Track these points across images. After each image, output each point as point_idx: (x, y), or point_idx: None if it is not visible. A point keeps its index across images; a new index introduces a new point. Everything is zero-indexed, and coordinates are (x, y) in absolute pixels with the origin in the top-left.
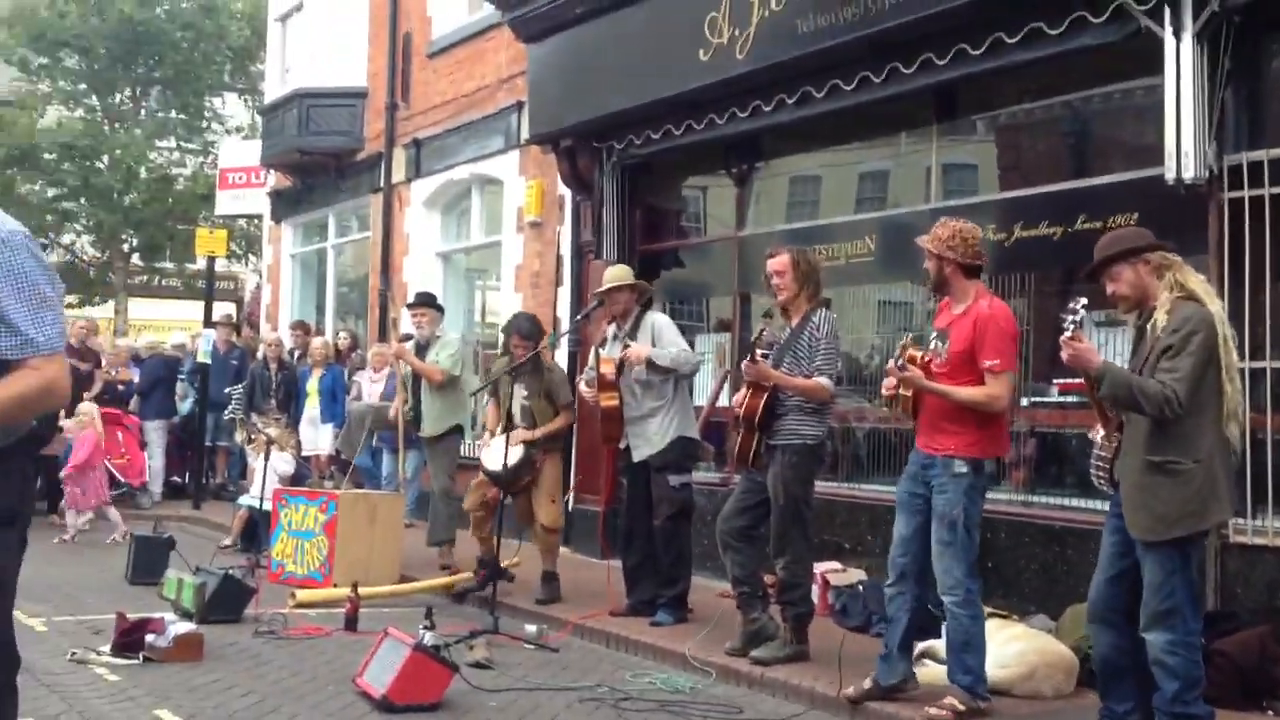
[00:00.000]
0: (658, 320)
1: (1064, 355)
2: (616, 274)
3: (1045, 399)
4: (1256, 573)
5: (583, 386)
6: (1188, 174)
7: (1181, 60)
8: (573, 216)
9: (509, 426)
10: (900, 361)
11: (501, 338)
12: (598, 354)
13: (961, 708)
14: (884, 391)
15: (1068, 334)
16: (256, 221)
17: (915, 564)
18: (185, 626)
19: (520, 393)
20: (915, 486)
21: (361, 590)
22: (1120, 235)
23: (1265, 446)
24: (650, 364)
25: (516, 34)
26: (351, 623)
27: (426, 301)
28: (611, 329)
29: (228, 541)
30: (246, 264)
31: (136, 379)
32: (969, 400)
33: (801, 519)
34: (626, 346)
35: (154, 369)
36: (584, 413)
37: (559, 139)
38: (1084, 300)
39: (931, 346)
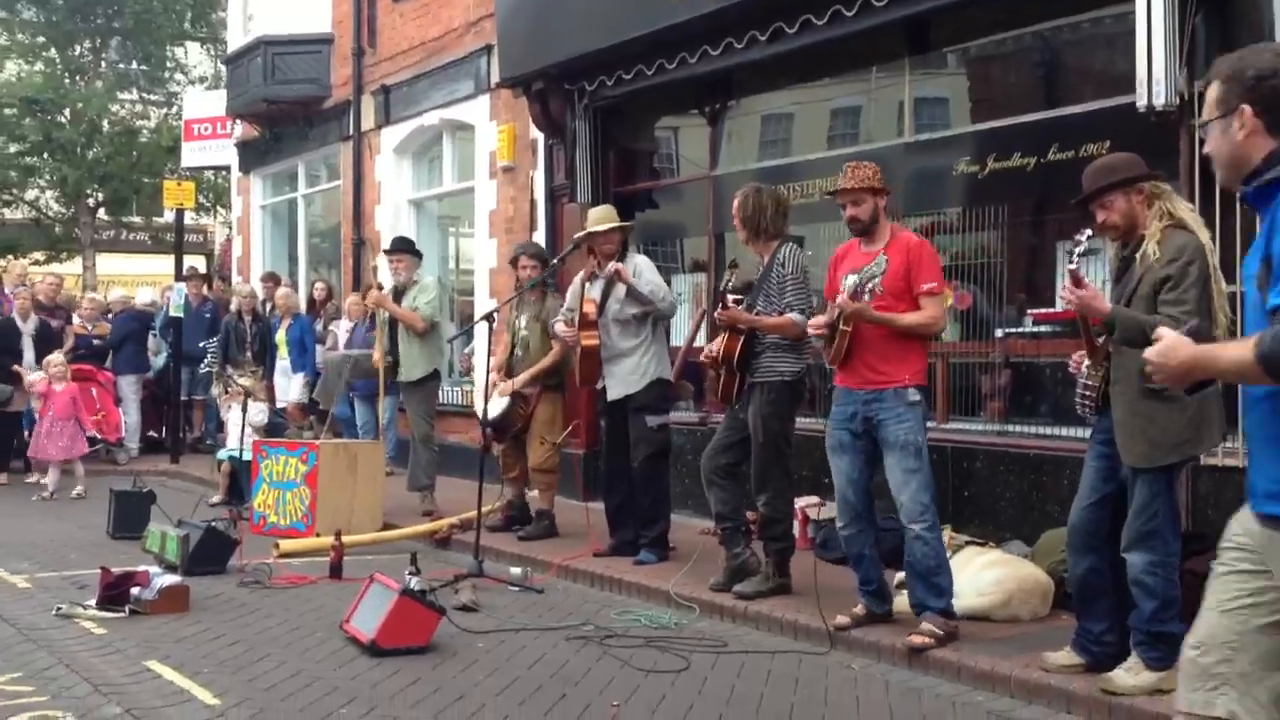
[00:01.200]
0: (638, 261)
1: (1068, 302)
2: (602, 215)
3: (1020, 329)
4: (1226, 494)
5: (560, 326)
6: (1159, 101)
7: None
8: (545, 160)
9: (510, 366)
10: (849, 294)
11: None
12: (581, 292)
13: (941, 632)
14: (811, 331)
15: (1073, 264)
16: (224, 173)
17: (865, 498)
18: (170, 579)
19: (522, 322)
20: (854, 426)
21: (345, 538)
22: (1112, 163)
23: None
24: (629, 292)
25: None
26: (336, 570)
27: (404, 247)
28: (580, 278)
29: (217, 498)
30: (215, 216)
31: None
32: (913, 325)
33: (782, 455)
34: (611, 280)
35: (124, 324)
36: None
37: (530, 82)
38: (1089, 231)
39: (851, 284)
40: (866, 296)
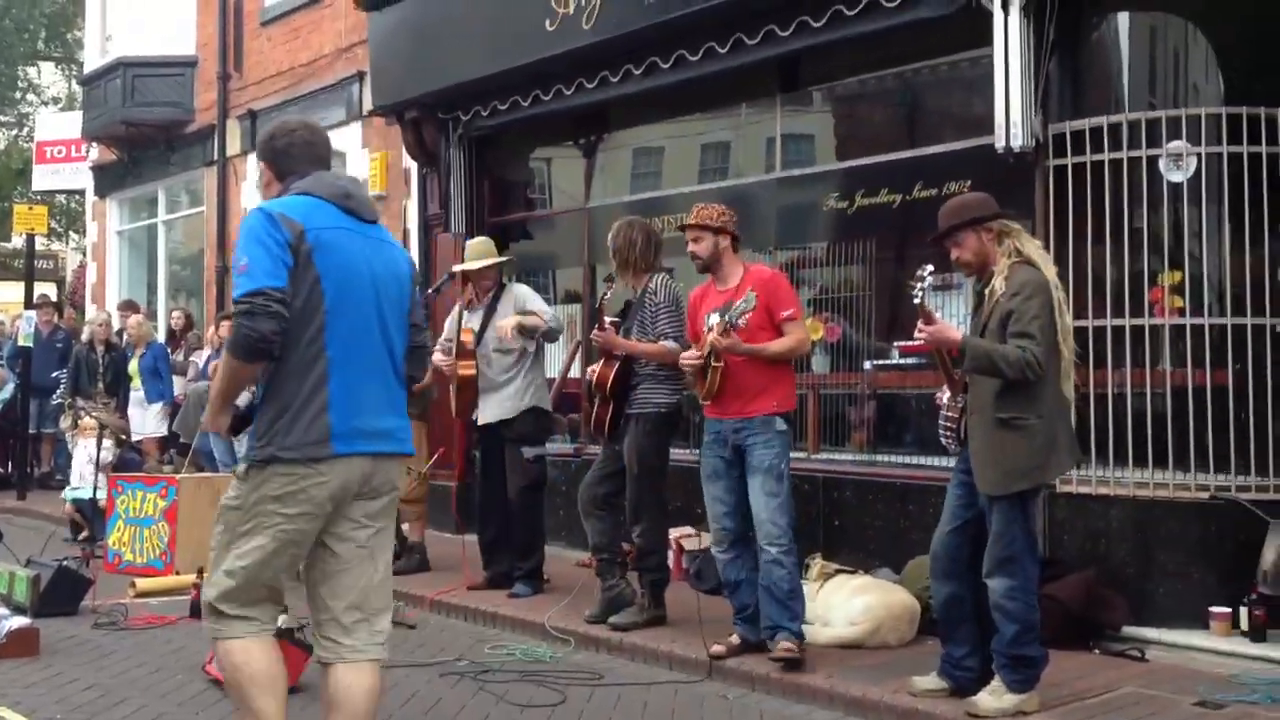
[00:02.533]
0: (519, 290)
1: (921, 338)
2: (480, 249)
3: (886, 361)
4: (1081, 520)
5: (438, 356)
6: (1016, 143)
7: (1010, 33)
8: (419, 189)
9: None
10: (724, 329)
11: None
12: (459, 322)
13: (796, 650)
14: (684, 364)
15: (917, 299)
16: (78, 197)
17: (743, 524)
18: (19, 621)
19: None
20: (724, 452)
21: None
22: (965, 203)
23: (1088, 400)
24: (522, 330)
25: (356, 2)
26: (197, 609)
27: None
28: (457, 309)
29: (81, 536)
30: (67, 242)
31: None
32: (781, 351)
33: (657, 486)
34: (491, 310)
35: None
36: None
37: (403, 110)
38: (930, 267)
39: (713, 323)
40: (738, 328)
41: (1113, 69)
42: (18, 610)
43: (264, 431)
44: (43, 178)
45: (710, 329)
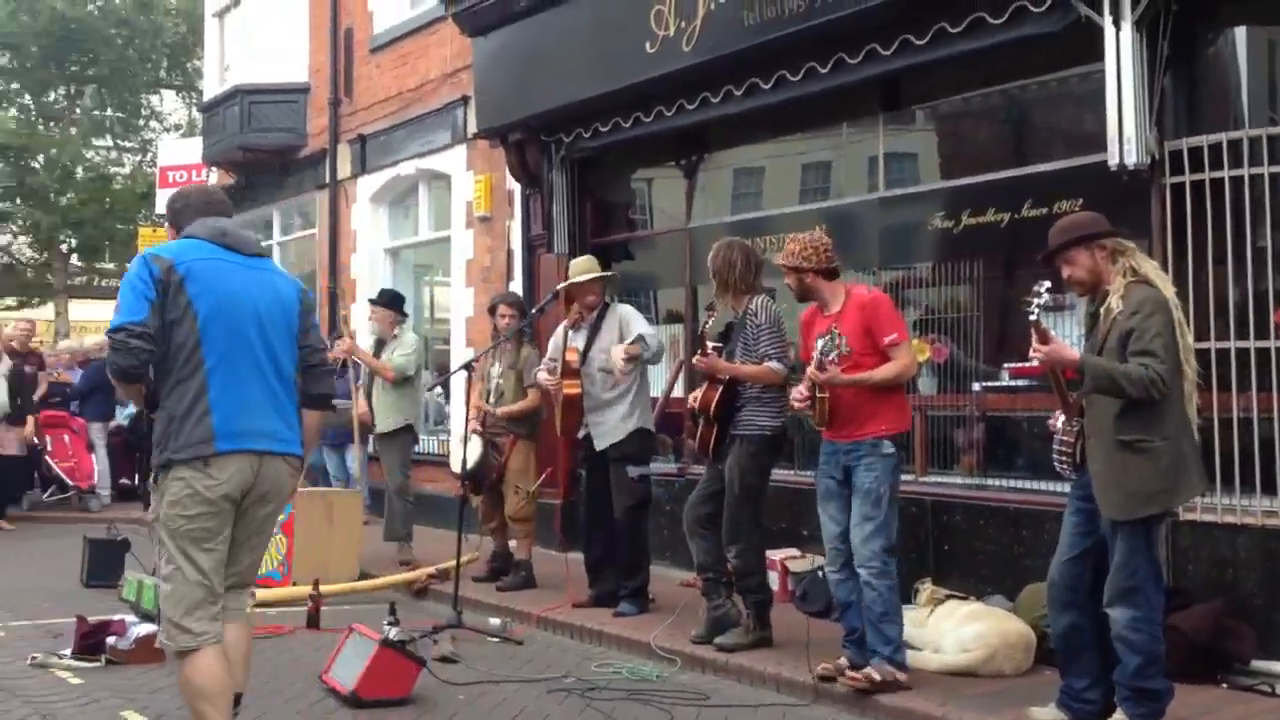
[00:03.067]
0: (624, 311)
1: (1036, 358)
2: (584, 266)
3: (996, 383)
4: (1206, 549)
5: (543, 375)
6: (1130, 160)
7: (1121, 48)
8: (523, 210)
9: (484, 416)
10: (823, 363)
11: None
12: (564, 341)
13: (878, 678)
14: (795, 404)
15: (1032, 317)
16: None
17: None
18: (147, 628)
19: (496, 370)
20: (837, 474)
21: (323, 588)
22: (1077, 221)
23: (1213, 426)
24: (630, 359)
25: (460, 28)
26: (314, 620)
27: (384, 301)
28: (563, 327)
29: None
30: None
31: (75, 382)
32: (886, 379)
33: (754, 508)
34: (596, 329)
35: (94, 372)
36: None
37: (507, 133)
38: (1048, 284)
39: (820, 349)
40: (834, 360)
41: (1231, 84)
42: (145, 617)
43: (158, 440)
44: (166, 201)
45: (814, 359)
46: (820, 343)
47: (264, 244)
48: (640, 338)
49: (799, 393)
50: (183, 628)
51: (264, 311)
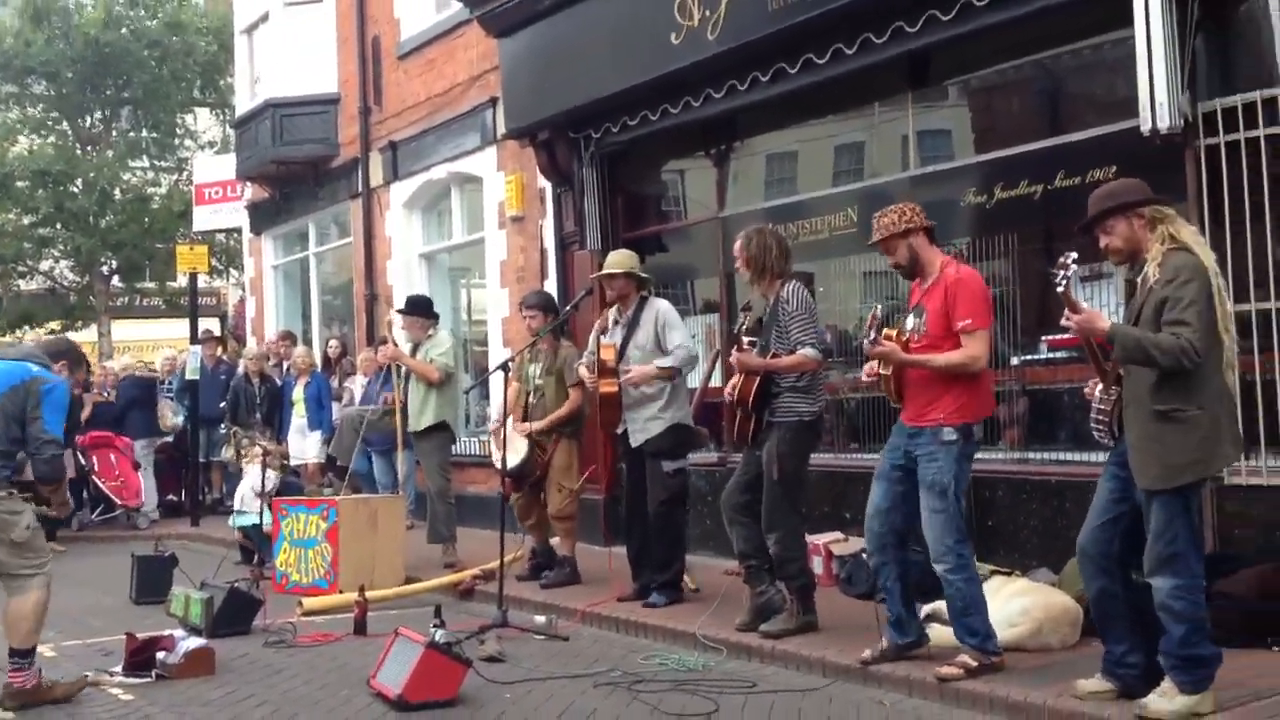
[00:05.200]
0: (661, 308)
1: (1070, 326)
2: (618, 260)
3: (1035, 356)
4: (1253, 512)
5: (582, 370)
6: (1163, 124)
7: (1150, 11)
8: (554, 208)
9: (525, 413)
10: (873, 337)
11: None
12: (599, 339)
13: (974, 664)
14: (864, 377)
15: (1060, 288)
16: (235, 235)
17: (894, 533)
18: (195, 642)
19: (534, 372)
20: (897, 458)
21: (368, 593)
22: (1114, 189)
23: (1255, 388)
24: (660, 375)
25: (486, 30)
26: (361, 626)
27: (413, 310)
28: (612, 314)
29: (254, 561)
30: (228, 278)
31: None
32: (948, 365)
33: (793, 494)
34: (633, 327)
35: (128, 390)
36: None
37: (535, 132)
38: (1074, 254)
39: (910, 326)
40: (912, 337)
41: (1264, 41)
42: (194, 631)
43: None
44: (202, 218)
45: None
46: (906, 320)
47: (301, 255)
48: (674, 353)
49: (869, 368)
50: None
51: None
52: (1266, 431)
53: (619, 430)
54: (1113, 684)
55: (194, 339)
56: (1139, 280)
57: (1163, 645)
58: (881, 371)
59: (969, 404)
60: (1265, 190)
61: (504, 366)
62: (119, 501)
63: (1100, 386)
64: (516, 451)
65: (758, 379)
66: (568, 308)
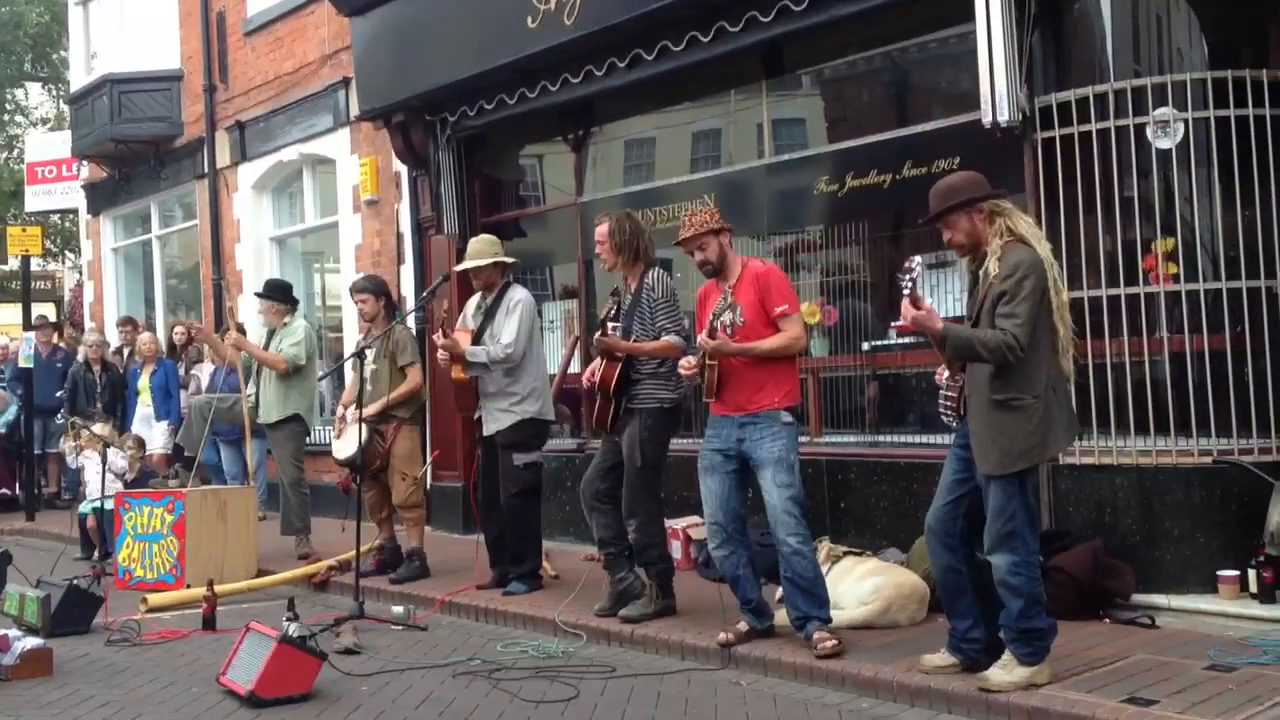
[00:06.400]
0: (513, 300)
1: (906, 321)
2: (480, 249)
3: (885, 342)
4: (1086, 491)
5: (438, 337)
6: (1002, 117)
7: (991, 8)
8: (410, 192)
9: (360, 399)
10: (709, 329)
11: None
12: (466, 320)
13: (836, 640)
14: (682, 371)
15: (907, 292)
16: (72, 216)
17: (735, 521)
18: (32, 642)
19: (369, 357)
20: (725, 446)
21: (218, 588)
22: (955, 184)
23: (1087, 371)
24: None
25: (337, 7)
26: (210, 622)
27: (271, 294)
28: (475, 300)
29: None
30: (64, 262)
31: None
32: (774, 349)
33: (653, 480)
34: (491, 315)
35: None
36: (438, 389)
37: (390, 114)
38: (919, 259)
39: (727, 320)
40: (728, 331)
41: (1097, 39)
42: (30, 631)
43: None
44: (35, 199)
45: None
46: (716, 311)
47: (144, 238)
48: (490, 349)
49: (687, 362)
50: None
51: None
52: (1098, 413)
53: (475, 416)
54: (957, 658)
55: (27, 325)
56: (981, 273)
57: (1002, 619)
58: (709, 363)
59: (793, 390)
60: (1097, 182)
61: (359, 354)
62: None
63: (947, 372)
64: (352, 440)
65: (619, 365)
66: (424, 295)
